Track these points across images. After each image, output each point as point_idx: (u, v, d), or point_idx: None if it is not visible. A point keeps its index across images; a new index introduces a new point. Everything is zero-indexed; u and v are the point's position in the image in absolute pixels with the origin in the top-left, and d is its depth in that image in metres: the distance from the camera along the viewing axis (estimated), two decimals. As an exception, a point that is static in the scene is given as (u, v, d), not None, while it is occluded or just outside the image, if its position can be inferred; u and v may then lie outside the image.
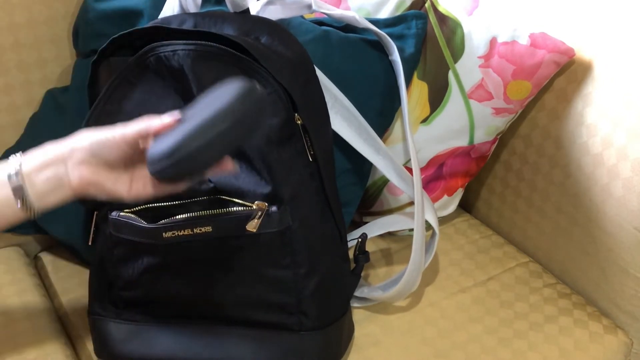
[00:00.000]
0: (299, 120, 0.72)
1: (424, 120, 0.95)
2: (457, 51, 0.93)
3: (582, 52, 0.91)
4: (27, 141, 0.98)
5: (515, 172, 1.01)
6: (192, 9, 0.81)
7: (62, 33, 0.99)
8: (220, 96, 0.58)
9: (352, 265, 0.85)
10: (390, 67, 0.91)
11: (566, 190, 0.93)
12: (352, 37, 0.91)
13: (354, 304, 0.88)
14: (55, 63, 1.00)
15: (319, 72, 0.85)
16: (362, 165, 0.92)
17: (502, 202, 1.05)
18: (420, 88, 0.94)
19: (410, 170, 0.93)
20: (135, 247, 0.73)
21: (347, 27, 0.94)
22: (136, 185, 0.64)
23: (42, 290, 0.93)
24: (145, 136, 0.61)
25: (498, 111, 0.94)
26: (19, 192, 0.61)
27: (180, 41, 0.69)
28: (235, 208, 0.70)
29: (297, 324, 0.74)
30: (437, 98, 0.94)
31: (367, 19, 0.91)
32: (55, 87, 1.00)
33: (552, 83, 0.95)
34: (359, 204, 0.95)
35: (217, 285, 0.73)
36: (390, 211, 1.01)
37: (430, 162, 0.98)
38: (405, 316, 0.88)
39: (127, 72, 0.72)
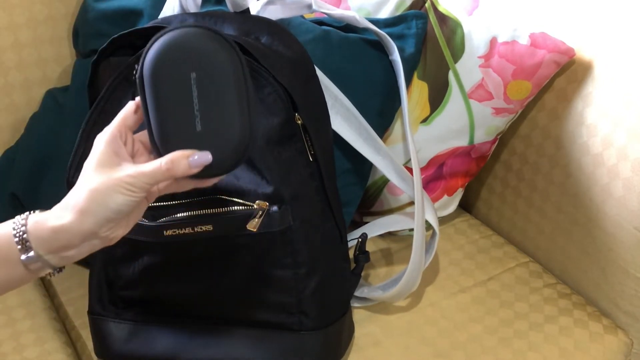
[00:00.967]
0: (299, 120, 0.72)
1: (424, 120, 0.95)
2: (457, 51, 0.93)
3: (582, 52, 0.91)
4: (27, 141, 0.98)
5: (515, 172, 1.01)
6: (192, 8, 0.81)
7: (62, 33, 0.99)
8: (210, 71, 0.56)
9: (352, 265, 0.85)
10: (390, 67, 0.91)
11: (566, 190, 0.93)
12: (352, 37, 0.91)
13: (354, 304, 0.88)
14: (55, 63, 1.00)
15: (319, 72, 0.85)
16: (362, 165, 0.92)
17: (502, 202, 1.05)
18: (420, 88, 0.94)
19: (410, 170, 0.93)
20: (136, 246, 0.73)
21: (347, 27, 0.94)
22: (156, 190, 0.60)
23: (42, 290, 0.93)
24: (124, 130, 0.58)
25: (498, 111, 0.94)
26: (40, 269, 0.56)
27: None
28: (235, 207, 0.70)
29: (297, 324, 0.74)
30: (437, 98, 0.94)
31: (367, 18, 0.91)
32: (55, 87, 1.01)
33: (552, 83, 0.95)
34: (359, 204, 0.95)
35: (217, 284, 0.73)
36: (390, 211, 1.01)
37: (431, 162, 0.98)
38: (405, 316, 0.88)
39: (127, 72, 0.72)
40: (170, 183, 0.59)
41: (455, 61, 0.93)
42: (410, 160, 0.96)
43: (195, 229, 0.69)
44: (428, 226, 0.92)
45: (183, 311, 0.76)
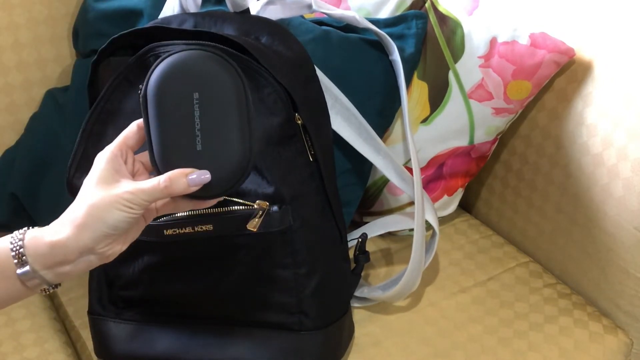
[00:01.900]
0: (299, 120, 0.72)
1: (424, 120, 0.95)
2: (457, 51, 0.93)
3: (582, 52, 0.91)
4: (27, 141, 0.98)
5: (515, 172, 1.01)
6: (192, 8, 0.81)
7: (62, 33, 0.99)
8: (212, 93, 0.57)
9: (353, 265, 0.85)
10: (390, 67, 0.91)
11: (566, 190, 0.93)
12: (352, 37, 0.91)
13: (354, 304, 0.88)
14: (55, 63, 1.00)
15: (319, 72, 0.85)
16: (362, 165, 0.92)
17: (502, 202, 1.05)
18: (420, 88, 0.94)
19: (410, 170, 0.93)
20: (136, 246, 0.73)
21: (347, 27, 0.94)
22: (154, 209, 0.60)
23: (42, 290, 0.93)
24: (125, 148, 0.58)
25: (498, 111, 0.94)
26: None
27: (180, 41, 0.69)
28: (236, 207, 0.70)
29: (297, 324, 0.74)
30: (437, 98, 0.94)
31: (367, 18, 0.91)
32: (55, 87, 1.01)
33: (552, 83, 0.95)
34: (359, 204, 0.95)
35: (217, 284, 0.73)
36: (390, 211, 1.01)
37: (431, 162, 0.98)
38: (405, 316, 0.88)
39: (127, 72, 0.72)
40: (168, 202, 0.59)
41: (455, 61, 0.93)
42: (410, 160, 0.96)
43: (196, 229, 0.69)
44: (428, 226, 0.92)
45: (183, 311, 0.76)
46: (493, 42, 0.91)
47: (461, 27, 0.93)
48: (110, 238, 0.55)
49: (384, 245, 1.01)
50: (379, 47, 0.92)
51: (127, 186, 0.55)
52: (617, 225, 0.86)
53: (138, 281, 0.75)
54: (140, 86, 0.58)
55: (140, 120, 0.58)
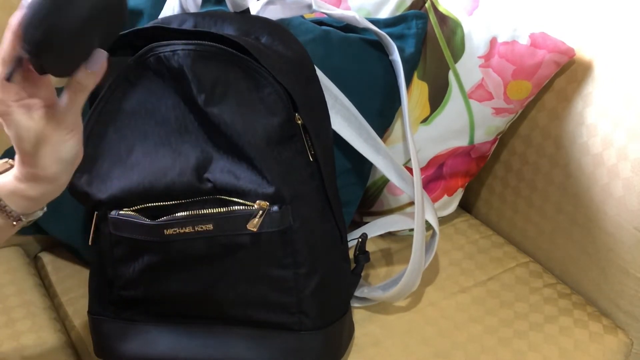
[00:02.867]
0: (299, 120, 0.72)
1: (424, 120, 0.95)
2: (457, 51, 0.93)
3: (582, 52, 0.91)
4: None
5: (515, 172, 1.01)
6: (192, 8, 0.81)
7: (62, 33, 0.99)
8: None
9: (353, 265, 0.85)
10: (390, 67, 0.91)
11: (566, 190, 0.93)
12: (352, 37, 0.91)
13: (354, 304, 0.88)
14: (55, 63, 1.00)
15: (319, 72, 0.85)
16: (362, 165, 0.92)
17: (502, 202, 1.05)
18: (420, 88, 0.94)
19: (410, 170, 0.93)
20: (135, 246, 0.73)
21: (347, 27, 0.94)
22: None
23: (42, 290, 0.93)
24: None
25: (498, 111, 0.94)
26: None
27: (180, 41, 0.69)
28: (236, 207, 0.70)
29: (297, 324, 0.74)
30: (437, 98, 0.94)
31: (367, 18, 0.91)
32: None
33: (552, 83, 0.95)
34: (359, 204, 0.95)
35: (217, 284, 0.73)
36: (390, 211, 1.01)
37: (430, 162, 0.98)
38: (405, 316, 0.88)
39: (127, 72, 0.72)
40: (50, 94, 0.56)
41: (455, 61, 0.93)
42: (410, 160, 0.96)
43: (196, 228, 0.69)
44: (428, 226, 0.92)
45: (183, 311, 0.76)
46: (493, 42, 0.91)
47: (461, 27, 0.93)
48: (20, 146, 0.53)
49: (384, 245, 1.01)
50: (379, 47, 0.92)
51: None
52: (617, 225, 0.86)
53: (138, 281, 0.75)
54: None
55: None
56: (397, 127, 0.95)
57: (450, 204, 1.04)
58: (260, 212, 0.69)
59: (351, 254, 0.85)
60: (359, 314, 0.88)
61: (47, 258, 0.99)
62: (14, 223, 0.58)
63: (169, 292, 0.75)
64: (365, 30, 0.91)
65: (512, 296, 0.92)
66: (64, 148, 0.56)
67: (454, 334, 0.86)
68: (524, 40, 0.90)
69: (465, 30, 0.93)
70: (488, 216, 1.09)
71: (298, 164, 0.72)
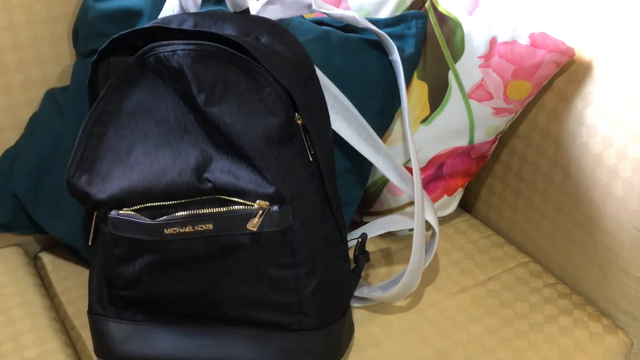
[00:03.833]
0: (299, 120, 0.72)
1: (424, 120, 0.95)
2: (457, 51, 0.93)
3: (582, 52, 0.91)
4: (27, 141, 0.98)
5: (515, 172, 1.01)
6: (192, 8, 0.81)
7: (62, 33, 0.99)
8: None
9: (352, 265, 0.85)
10: (390, 67, 0.91)
11: (566, 190, 0.93)
12: (352, 37, 0.91)
13: (354, 304, 0.88)
14: (55, 63, 1.00)
15: (319, 72, 0.85)
16: (362, 165, 0.92)
17: (502, 202, 1.05)
18: (420, 88, 0.94)
19: (410, 170, 0.93)
20: (135, 246, 0.73)
21: (347, 27, 0.94)
22: None
23: (42, 290, 0.93)
24: None
25: (498, 111, 0.94)
26: None
27: (180, 41, 0.69)
28: (236, 207, 0.70)
29: (297, 324, 0.74)
30: (437, 98, 0.94)
31: (367, 18, 0.91)
32: (55, 87, 1.01)
33: (552, 83, 0.95)
34: (359, 204, 0.95)
35: (217, 284, 0.73)
36: (390, 211, 1.01)
37: (430, 162, 0.98)
38: (405, 316, 0.88)
39: (127, 72, 0.72)
40: None
41: (455, 61, 0.93)
42: (410, 160, 0.96)
43: (196, 228, 0.69)
44: (428, 226, 0.92)
45: (183, 311, 0.76)
46: (493, 42, 0.91)
47: (461, 27, 0.93)
48: None
49: (384, 245, 1.01)
50: (379, 47, 0.92)
51: None
52: (617, 225, 0.86)
53: (138, 281, 0.75)
54: None
55: None
56: (397, 127, 0.95)
57: (450, 204, 1.04)
58: (260, 211, 0.69)
59: (351, 254, 0.85)
60: (359, 314, 0.88)
61: (47, 258, 0.99)
62: None
63: (168, 292, 0.75)
64: (365, 30, 0.91)
65: (512, 296, 0.92)
66: None
67: (454, 334, 0.86)
68: (524, 40, 0.90)
69: (465, 30, 0.93)
70: (488, 216, 1.09)
71: (298, 164, 0.72)
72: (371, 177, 0.98)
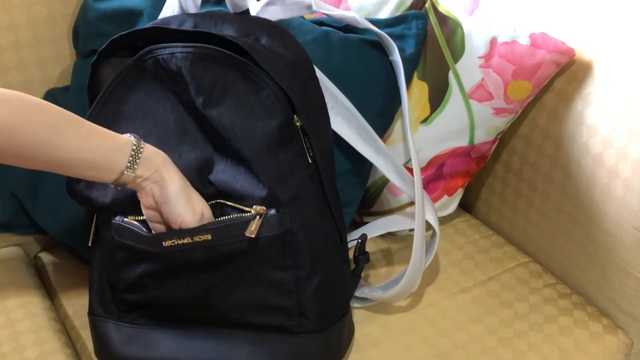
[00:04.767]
0: (298, 122, 0.71)
1: (424, 120, 0.95)
2: (458, 51, 0.93)
3: (582, 52, 0.91)
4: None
5: (515, 172, 1.01)
6: (192, 9, 0.81)
7: (62, 33, 0.99)
8: None
9: (353, 265, 0.85)
10: (390, 67, 0.91)
11: (566, 190, 0.93)
12: (353, 38, 0.91)
13: (354, 304, 0.88)
14: (55, 63, 1.00)
15: (319, 73, 0.85)
16: (362, 166, 0.92)
17: (502, 202, 1.05)
18: (420, 88, 0.94)
19: (410, 170, 0.93)
20: (137, 253, 0.73)
21: (348, 28, 0.94)
22: None
23: (42, 290, 0.93)
24: None
25: (498, 111, 0.94)
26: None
27: (178, 44, 0.69)
28: (234, 215, 0.69)
29: (297, 327, 0.74)
30: (437, 98, 0.94)
31: (367, 19, 0.91)
32: (55, 87, 1.01)
33: (552, 83, 0.94)
34: (359, 204, 0.95)
35: (217, 289, 0.73)
36: (390, 211, 1.01)
37: (431, 162, 0.98)
38: (405, 316, 0.88)
39: (125, 74, 0.71)
40: None
41: (455, 61, 0.93)
42: (410, 160, 0.96)
43: (195, 239, 0.69)
44: (428, 226, 0.92)
45: (184, 315, 0.76)
46: (493, 42, 0.91)
47: (461, 27, 0.93)
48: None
49: (384, 245, 1.01)
50: (379, 47, 0.91)
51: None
52: (617, 225, 0.86)
53: (139, 286, 0.75)
54: None
55: None
56: (397, 127, 0.95)
57: (450, 204, 1.04)
58: (258, 217, 0.68)
59: (351, 254, 0.85)
60: (359, 314, 0.88)
61: (47, 258, 0.99)
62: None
63: (169, 297, 0.75)
64: (366, 30, 0.91)
65: (512, 296, 0.92)
66: None
67: (454, 334, 0.86)
68: (524, 40, 0.90)
69: (465, 30, 0.93)
70: (488, 216, 1.09)
71: (297, 166, 0.72)
72: (371, 177, 0.98)
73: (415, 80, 0.94)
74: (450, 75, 0.93)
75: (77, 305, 0.90)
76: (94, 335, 0.79)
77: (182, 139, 0.71)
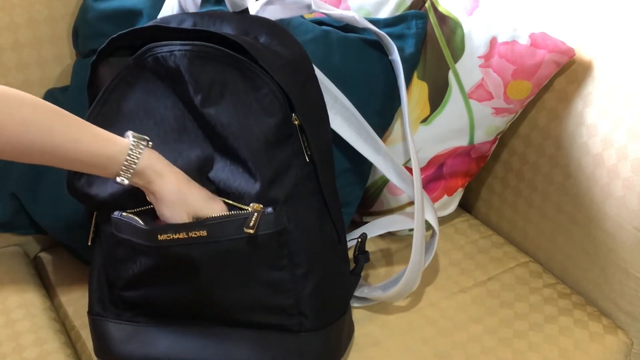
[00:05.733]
0: (296, 120, 0.71)
1: (424, 120, 0.95)
2: (457, 51, 0.93)
3: (582, 52, 0.91)
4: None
5: (515, 172, 1.01)
6: (191, 8, 0.81)
7: (62, 33, 0.99)
8: None
9: (352, 265, 0.85)
10: (390, 66, 0.91)
11: (566, 190, 0.93)
12: (352, 37, 0.91)
13: (354, 304, 0.88)
14: (55, 63, 1.00)
15: (318, 72, 0.85)
16: (362, 165, 0.92)
17: (502, 202, 1.05)
18: (420, 88, 0.94)
19: (410, 170, 0.93)
20: (135, 249, 0.73)
21: (347, 27, 0.94)
22: None
23: (42, 290, 0.93)
24: None
25: (498, 111, 0.94)
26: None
27: (177, 42, 0.69)
28: (230, 212, 0.69)
29: (296, 325, 0.74)
30: (437, 98, 0.94)
31: (367, 18, 0.91)
32: (55, 87, 1.01)
33: (552, 83, 0.94)
34: (359, 204, 0.95)
35: (214, 287, 0.73)
36: (390, 211, 1.01)
37: (430, 162, 0.98)
38: (405, 316, 0.88)
39: (125, 72, 0.71)
40: None
41: (455, 61, 0.93)
42: (410, 160, 0.96)
43: (190, 234, 0.69)
44: (428, 226, 0.92)
45: (182, 313, 0.76)
46: (493, 42, 0.91)
47: (461, 27, 0.93)
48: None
49: (384, 245, 1.01)
50: (379, 47, 0.91)
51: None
52: (617, 225, 0.86)
53: (137, 283, 0.75)
54: None
55: None
56: (397, 127, 0.95)
57: (450, 204, 1.04)
58: (255, 214, 0.68)
59: (351, 254, 0.85)
60: (359, 314, 0.88)
61: (47, 258, 0.99)
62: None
63: (167, 295, 0.75)
64: (365, 30, 0.91)
65: (512, 296, 0.92)
66: None
67: (454, 334, 0.86)
68: (524, 40, 0.90)
69: (465, 30, 0.93)
70: (488, 216, 1.09)
71: (294, 165, 0.72)
72: (371, 177, 0.98)
73: (415, 80, 0.94)
74: (450, 75, 0.93)
75: (77, 305, 0.90)
76: (94, 334, 0.79)
77: (182, 138, 0.72)
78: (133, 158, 0.65)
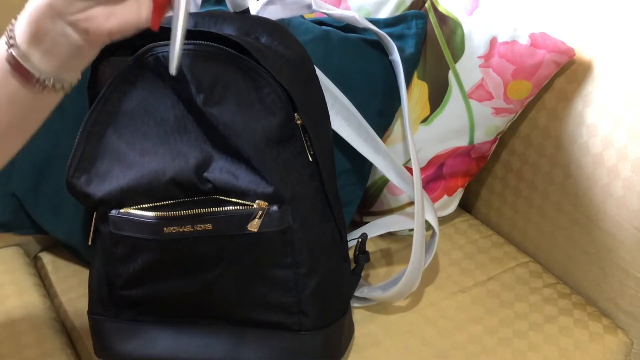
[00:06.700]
0: (298, 120, 0.72)
1: (424, 120, 0.95)
2: (457, 51, 0.93)
3: (582, 52, 0.91)
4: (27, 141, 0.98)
5: (515, 172, 1.01)
6: (192, 8, 0.81)
7: (62, 33, 0.99)
8: None
9: (353, 265, 0.85)
10: (390, 66, 0.91)
11: (566, 190, 0.93)
12: (352, 37, 0.91)
13: (354, 304, 0.88)
14: (55, 63, 1.00)
15: (319, 72, 0.85)
16: (362, 165, 0.92)
17: (502, 202, 1.05)
18: (420, 88, 0.94)
19: (410, 170, 0.93)
20: (135, 245, 0.73)
21: (347, 27, 0.94)
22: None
23: (42, 290, 0.93)
24: None
25: (498, 111, 0.94)
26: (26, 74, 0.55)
27: None
28: (235, 207, 0.70)
29: (297, 324, 0.74)
30: (437, 98, 0.94)
31: (367, 18, 0.91)
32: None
33: (552, 83, 0.95)
34: (359, 204, 0.95)
35: (216, 284, 0.73)
36: (390, 211, 1.01)
37: (430, 162, 0.98)
38: (405, 316, 0.88)
39: (126, 72, 0.71)
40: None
41: (455, 61, 0.93)
42: (410, 160, 0.96)
43: (195, 227, 0.69)
44: (428, 226, 0.92)
45: (183, 311, 0.76)
46: (493, 42, 0.91)
47: (461, 27, 0.93)
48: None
49: (384, 245, 1.01)
50: (379, 47, 0.92)
51: None
52: (617, 225, 0.86)
53: (137, 281, 0.75)
54: None
55: None
56: (397, 127, 0.95)
57: (450, 204, 1.04)
58: (260, 212, 0.69)
59: (351, 254, 0.85)
60: (359, 314, 0.88)
61: (47, 258, 0.99)
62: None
63: (168, 292, 0.75)
64: (365, 30, 0.91)
65: (512, 296, 0.92)
66: None
67: (454, 334, 0.86)
68: (524, 40, 0.90)
69: (465, 30, 0.93)
70: (488, 216, 1.09)
71: (297, 164, 0.72)
72: (371, 177, 0.98)
73: (415, 80, 0.94)
74: (450, 75, 0.93)
75: (77, 305, 0.90)
76: (94, 334, 0.79)
77: (182, 138, 0.72)
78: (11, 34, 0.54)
